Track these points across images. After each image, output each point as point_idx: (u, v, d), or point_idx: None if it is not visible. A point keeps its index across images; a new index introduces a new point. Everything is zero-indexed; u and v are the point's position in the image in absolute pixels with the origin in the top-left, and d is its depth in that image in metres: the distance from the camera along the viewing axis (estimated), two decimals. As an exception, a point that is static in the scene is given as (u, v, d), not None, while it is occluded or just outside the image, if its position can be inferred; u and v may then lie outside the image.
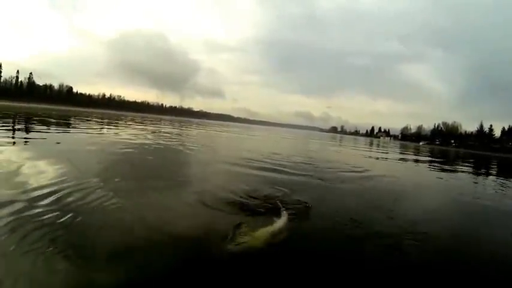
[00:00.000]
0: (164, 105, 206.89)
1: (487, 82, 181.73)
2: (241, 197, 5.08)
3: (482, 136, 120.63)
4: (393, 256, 3.50)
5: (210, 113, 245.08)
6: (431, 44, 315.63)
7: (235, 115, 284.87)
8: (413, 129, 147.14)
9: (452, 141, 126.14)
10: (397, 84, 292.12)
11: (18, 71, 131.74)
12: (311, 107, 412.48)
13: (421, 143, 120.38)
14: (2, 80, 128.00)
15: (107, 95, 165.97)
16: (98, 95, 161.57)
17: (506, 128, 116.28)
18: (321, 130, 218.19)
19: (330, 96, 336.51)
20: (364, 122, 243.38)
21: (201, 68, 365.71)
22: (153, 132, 20.60)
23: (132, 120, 42.26)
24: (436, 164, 18.63)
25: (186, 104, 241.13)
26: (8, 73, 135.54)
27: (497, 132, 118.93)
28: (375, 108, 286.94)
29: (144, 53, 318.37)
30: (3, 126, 15.08)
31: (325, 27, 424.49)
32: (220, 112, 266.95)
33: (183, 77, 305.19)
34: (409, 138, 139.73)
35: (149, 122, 40.01)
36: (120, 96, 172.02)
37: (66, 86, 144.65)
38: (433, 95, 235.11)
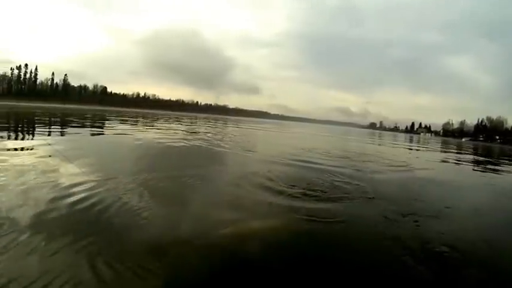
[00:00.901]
0: (199, 103, 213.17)
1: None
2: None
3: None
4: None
5: (246, 110, 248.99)
6: (475, 33, 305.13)
7: (272, 112, 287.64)
8: (456, 125, 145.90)
9: (497, 137, 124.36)
10: (439, 77, 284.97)
11: (53, 73, 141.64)
12: (349, 102, 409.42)
13: (463, 139, 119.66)
14: (38, 82, 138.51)
15: (141, 94, 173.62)
16: (133, 94, 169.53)
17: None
18: (360, 126, 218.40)
19: (369, 91, 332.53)
20: (404, 118, 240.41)
21: (237, 64, 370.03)
22: (198, 132, 21.59)
23: (169, 118, 46.45)
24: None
25: (222, 102, 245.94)
26: (43, 75, 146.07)
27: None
28: (415, 102, 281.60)
29: (178, 50, 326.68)
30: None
31: (363, 18, 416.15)
32: (256, 109, 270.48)
33: (218, 74, 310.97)
34: (450, 134, 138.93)
35: (188, 120, 43.49)
36: (155, 95, 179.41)
37: (101, 86, 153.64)
38: (477, 88, 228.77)
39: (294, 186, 6.30)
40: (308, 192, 5.95)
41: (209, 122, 39.29)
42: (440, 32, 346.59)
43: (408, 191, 7.32)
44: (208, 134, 19.02)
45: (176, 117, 43.58)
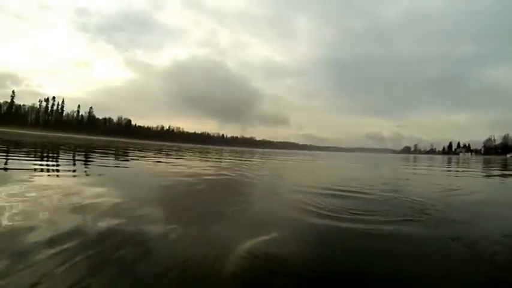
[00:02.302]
0: (225, 135, 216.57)
1: None
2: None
3: None
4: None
5: (273, 141, 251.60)
6: (510, 39, 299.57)
7: (301, 142, 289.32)
8: (498, 140, 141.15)
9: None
10: (476, 91, 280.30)
11: (79, 106, 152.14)
12: (381, 128, 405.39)
13: (508, 155, 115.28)
14: (64, 114, 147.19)
15: (166, 126, 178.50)
16: (157, 127, 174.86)
17: None
18: (393, 151, 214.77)
19: (401, 114, 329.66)
20: (440, 138, 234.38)
21: (262, 95, 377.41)
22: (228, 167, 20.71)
23: (194, 152, 47.42)
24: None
25: (248, 134, 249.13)
26: (70, 107, 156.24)
27: None
28: (452, 121, 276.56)
29: (203, 82, 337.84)
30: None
31: (391, 37, 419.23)
32: (284, 140, 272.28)
33: (244, 106, 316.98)
34: (493, 151, 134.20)
35: (213, 154, 44.06)
36: (179, 128, 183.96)
37: (125, 118, 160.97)
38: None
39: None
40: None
41: (237, 156, 39.07)
42: (473, 42, 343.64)
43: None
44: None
45: (201, 151, 43.72)
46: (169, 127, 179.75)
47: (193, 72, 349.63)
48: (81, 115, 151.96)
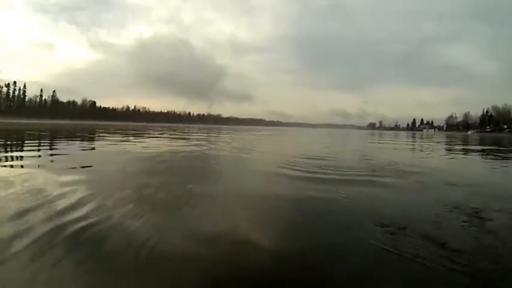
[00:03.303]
0: (192, 113, 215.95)
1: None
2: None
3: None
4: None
5: (240, 118, 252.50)
6: (472, 18, 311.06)
7: (267, 119, 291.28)
8: (460, 118, 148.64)
9: (505, 126, 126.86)
10: (438, 69, 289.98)
11: (42, 90, 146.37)
12: (346, 104, 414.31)
13: (469, 132, 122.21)
14: (27, 99, 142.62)
15: (131, 107, 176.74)
16: (122, 108, 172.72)
17: None
18: (358, 127, 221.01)
19: (366, 90, 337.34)
20: (405, 115, 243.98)
21: (228, 72, 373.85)
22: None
23: (155, 131, 46.96)
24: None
25: (215, 111, 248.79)
26: (32, 92, 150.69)
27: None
28: (415, 98, 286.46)
29: (167, 61, 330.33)
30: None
31: (354, 15, 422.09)
32: (251, 117, 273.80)
33: (210, 83, 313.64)
34: (455, 128, 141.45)
35: (171, 133, 42.42)
36: (145, 108, 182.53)
37: (90, 100, 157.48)
38: (479, 77, 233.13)
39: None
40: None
41: (201, 134, 39.75)
42: (434, 21, 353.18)
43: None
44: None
45: (161, 131, 43.61)
46: (135, 107, 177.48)
47: (158, 50, 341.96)
48: (44, 99, 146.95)
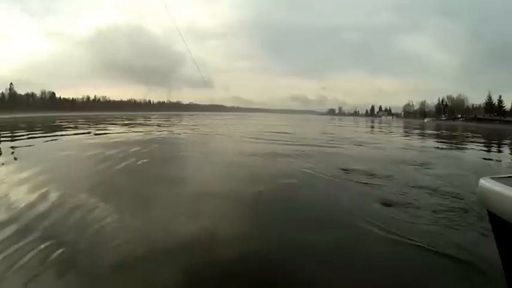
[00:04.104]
0: (152, 101, 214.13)
1: (494, 49, 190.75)
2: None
3: (492, 108, 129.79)
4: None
5: (200, 104, 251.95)
6: (430, 11, 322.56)
7: (228, 104, 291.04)
8: (416, 106, 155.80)
9: (459, 115, 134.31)
10: (397, 58, 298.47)
11: None
12: (306, 90, 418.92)
13: (425, 120, 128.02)
14: None
15: (92, 96, 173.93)
16: (82, 98, 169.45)
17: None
18: (318, 113, 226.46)
19: (326, 77, 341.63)
20: (364, 102, 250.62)
21: (187, 58, 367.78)
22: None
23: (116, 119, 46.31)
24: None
25: (175, 98, 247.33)
26: None
27: (507, 104, 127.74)
28: (374, 86, 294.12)
29: (126, 49, 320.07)
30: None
31: (314, 2, 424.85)
32: (211, 103, 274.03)
33: (169, 70, 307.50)
34: (412, 115, 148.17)
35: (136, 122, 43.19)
36: (105, 97, 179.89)
37: (49, 92, 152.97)
38: (436, 68, 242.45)
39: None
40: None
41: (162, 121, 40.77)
42: (394, 12, 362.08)
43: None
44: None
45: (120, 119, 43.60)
46: (95, 97, 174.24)
47: (116, 39, 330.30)
48: (2, 93, 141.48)
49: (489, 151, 15.50)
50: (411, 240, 3.67)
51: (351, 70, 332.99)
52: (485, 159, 12.06)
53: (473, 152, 14.26)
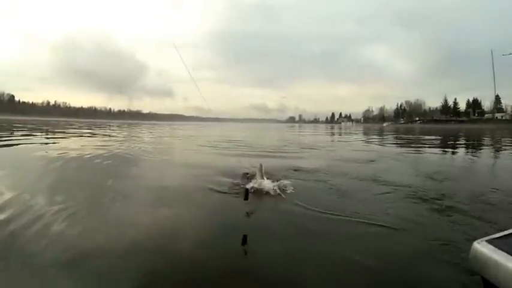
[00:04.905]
0: (112, 109, 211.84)
1: (449, 56, 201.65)
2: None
3: (448, 110, 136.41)
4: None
5: (160, 114, 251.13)
6: (391, 23, 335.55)
7: (187, 114, 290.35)
8: (376, 111, 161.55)
9: (417, 118, 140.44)
10: (357, 67, 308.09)
11: None
12: (267, 99, 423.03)
13: (384, 124, 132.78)
14: None
15: (52, 101, 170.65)
16: (42, 103, 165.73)
17: (470, 100, 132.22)
18: (278, 121, 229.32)
19: (287, 86, 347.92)
20: (324, 109, 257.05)
21: (150, 68, 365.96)
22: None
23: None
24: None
25: (135, 107, 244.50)
26: None
27: (462, 105, 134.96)
28: (335, 94, 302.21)
29: (89, 55, 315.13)
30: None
31: (278, 14, 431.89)
32: (171, 112, 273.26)
33: (131, 79, 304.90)
34: (371, 120, 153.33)
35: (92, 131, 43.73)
36: (66, 103, 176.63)
37: (8, 94, 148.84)
38: (394, 75, 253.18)
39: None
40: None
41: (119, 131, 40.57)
42: (356, 23, 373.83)
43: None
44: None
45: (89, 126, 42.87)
46: (55, 102, 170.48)
47: (81, 44, 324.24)
48: None
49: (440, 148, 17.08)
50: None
51: (312, 79, 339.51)
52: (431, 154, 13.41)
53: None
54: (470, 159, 12.66)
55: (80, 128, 38.20)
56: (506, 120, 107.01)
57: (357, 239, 3.70)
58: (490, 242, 1.80)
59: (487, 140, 23.69)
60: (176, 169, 8.78)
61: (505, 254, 1.68)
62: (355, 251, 3.32)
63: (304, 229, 4.07)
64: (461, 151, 16.16)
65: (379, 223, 4.10)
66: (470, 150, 16.52)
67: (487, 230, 3.83)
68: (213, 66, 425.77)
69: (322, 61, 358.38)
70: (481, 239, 1.83)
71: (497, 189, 6.09)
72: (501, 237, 1.85)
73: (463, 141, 23.16)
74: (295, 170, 7.81)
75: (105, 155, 10.67)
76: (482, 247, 1.77)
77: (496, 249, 1.73)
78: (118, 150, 12.10)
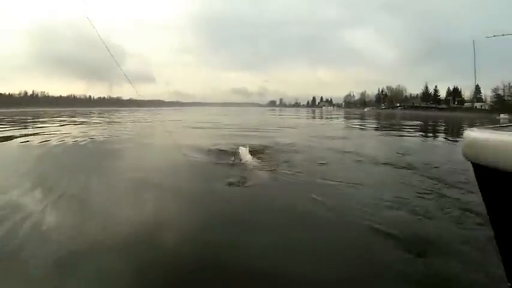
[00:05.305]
0: (92, 97, 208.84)
1: (432, 44, 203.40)
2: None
3: (428, 97, 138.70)
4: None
5: (140, 100, 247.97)
6: (375, 7, 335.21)
7: (167, 99, 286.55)
8: (357, 96, 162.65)
9: (398, 104, 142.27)
10: (339, 51, 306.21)
11: None
12: (247, 83, 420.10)
13: (366, 109, 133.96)
14: None
15: (30, 91, 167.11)
16: (20, 93, 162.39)
17: (451, 89, 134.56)
18: (259, 105, 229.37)
19: (268, 70, 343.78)
20: (305, 94, 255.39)
21: (129, 52, 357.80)
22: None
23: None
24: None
25: (115, 94, 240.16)
26: None
27: (442, 93, 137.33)
28: (316, 78, 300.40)
29: (66, 42, 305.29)
30: None
31: None
32: (151, 98, 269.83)
33: (110, 65, 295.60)
34: (353, 105, 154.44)
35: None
36: (44, 92, 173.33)
37: None
38: (377, 60, 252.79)
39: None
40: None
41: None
42: (340, 7, 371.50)
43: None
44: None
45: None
46: (33, 92, 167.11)
47: (57, 31, 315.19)
48: None
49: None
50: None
51: (293, 63, 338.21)
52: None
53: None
54: (437, 140, 13.79)
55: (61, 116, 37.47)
56: (485, 110, 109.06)
57: (324, 190, 4.68)
58: (481, 129, 1.84)
59: (462, 127, 24.59)
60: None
61: (493, 133, 1.74)
62: (322, 197, 4.29)
63: (281, 183, 5.02)
64: (433, 135, 17.25)
65: (347, 181, 5.10)
66: (441, 134, 17.62)
67: (430, 185, 4.95)
68: (193, 50, 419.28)
69: (304, 45, 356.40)
70: (473, 128, 1.86)
71: (449, 160, 7.18)
72: (493, 127, 1.91)
73: (439, 127, 24.33)
74: (276, 144, 8.77)
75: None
76: (473, 132, 1.82)
77: (485, 132, 1.79)
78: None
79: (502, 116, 55.35)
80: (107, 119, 28.61)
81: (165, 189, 5.11)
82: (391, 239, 3.14)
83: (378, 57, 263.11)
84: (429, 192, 4.58)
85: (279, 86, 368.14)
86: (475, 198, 3.71)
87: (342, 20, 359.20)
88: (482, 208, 1.81)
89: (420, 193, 4.49)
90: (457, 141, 12.71)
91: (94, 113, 55.79)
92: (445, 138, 15.02)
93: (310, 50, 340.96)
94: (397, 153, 8.32)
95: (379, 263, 2.76)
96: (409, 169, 6.14)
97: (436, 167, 6.51)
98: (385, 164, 6.60)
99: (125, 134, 13.93)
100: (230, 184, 5.12)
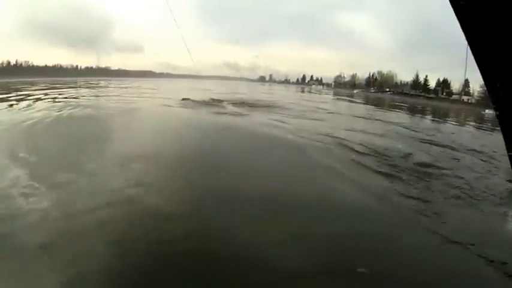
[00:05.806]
0: (79, 66, 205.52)
1: (426, 34, 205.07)
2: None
3: (418, 86, 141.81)
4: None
5: (129, 70, 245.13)
6: None
7: (157, 71, 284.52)
8: (347, 78, 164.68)
9: (388, 89, 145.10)
10: (333, 33, 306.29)
11: None
12: (238, 58, 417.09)
13: (355, 91, 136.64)
14: None
15: (13, 61, 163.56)
16: (2, 63, 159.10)
17: (441, 80, 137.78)
18: (249, 80, 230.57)
19: (259, 45, 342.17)
20: (295, 71, 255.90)
21: (118, 21, 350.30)
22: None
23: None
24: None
25: (103, 63, 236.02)
26: None
27: (432, 84, 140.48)
28: (308, 57, 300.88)
29: (52, 9, 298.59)
30: None
31: None
32: (140, 69, 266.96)
33: (99, 34, 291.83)
34: (343, 86, 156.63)
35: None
36: (28, 62, 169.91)
37: None
38: (370, 45, 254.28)
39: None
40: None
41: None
42: None
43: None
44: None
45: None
46: (16, 61, 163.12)
47: None
48: None
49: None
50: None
51: (285, 40, 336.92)
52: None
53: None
54: (417, 125, 15.99)
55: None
56: (472, 103, 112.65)
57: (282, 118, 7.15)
58: None
59: (446, 117, 26.32)
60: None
61: None
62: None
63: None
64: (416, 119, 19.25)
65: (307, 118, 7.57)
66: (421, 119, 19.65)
67: (401, 162, 7.27)
68: (185, 22, 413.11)
69: (298, 23, 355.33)
70: None
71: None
72: None
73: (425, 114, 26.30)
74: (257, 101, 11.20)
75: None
76: None
77: None
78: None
79: (487, 111, 57.39)
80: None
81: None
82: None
83: (371, 41, 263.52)
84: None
85: (270, 63, 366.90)
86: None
87: (337, 2, 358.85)
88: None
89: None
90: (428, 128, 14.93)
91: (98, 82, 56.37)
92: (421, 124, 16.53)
93: (303, 28, 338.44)
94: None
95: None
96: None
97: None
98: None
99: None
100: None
